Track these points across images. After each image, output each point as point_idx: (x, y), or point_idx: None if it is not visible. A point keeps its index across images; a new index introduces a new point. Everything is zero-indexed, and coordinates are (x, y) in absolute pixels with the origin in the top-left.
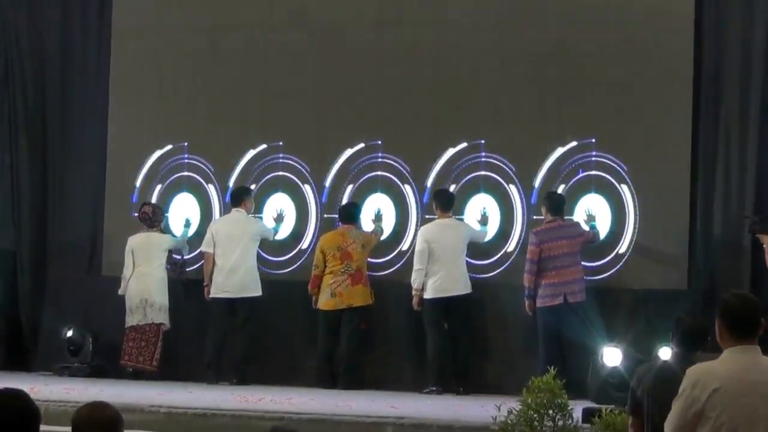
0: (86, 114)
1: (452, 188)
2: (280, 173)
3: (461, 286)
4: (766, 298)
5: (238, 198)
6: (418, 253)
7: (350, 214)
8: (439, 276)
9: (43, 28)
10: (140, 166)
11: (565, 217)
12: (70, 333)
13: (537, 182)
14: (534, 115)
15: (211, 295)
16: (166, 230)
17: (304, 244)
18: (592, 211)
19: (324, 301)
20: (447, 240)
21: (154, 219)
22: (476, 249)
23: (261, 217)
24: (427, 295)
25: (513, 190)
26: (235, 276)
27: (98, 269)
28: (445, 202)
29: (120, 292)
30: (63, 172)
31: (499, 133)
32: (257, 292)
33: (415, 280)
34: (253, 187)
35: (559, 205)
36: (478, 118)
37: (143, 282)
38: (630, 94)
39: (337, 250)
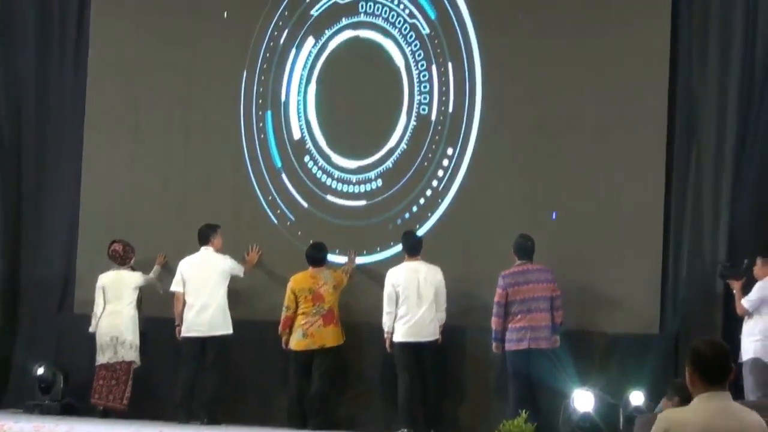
0: (61, 150)
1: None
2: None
3: (428, 333)
4: (738, 344)
5: (205, 236)
6: (385, 297)
7: (318, 258)
8: (406, 320)
9: (19, 62)
10: (114, 203)
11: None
12: (41, 370)
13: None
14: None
15: (182, 335)
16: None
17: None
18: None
19: (296, 342)
20: (413, 284)
21: (125, 257)
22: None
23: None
24: (396, 338)
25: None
26: (205, 314)
27: (70, 307)
28: (412, 246)
29: (90, 329)
30: (37, 209)
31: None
32: (228, 330)
33: (385, 323)
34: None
35: (527, 249)
36: None
37: (114, 320)
38: (603, 137)
39: (309, 292)
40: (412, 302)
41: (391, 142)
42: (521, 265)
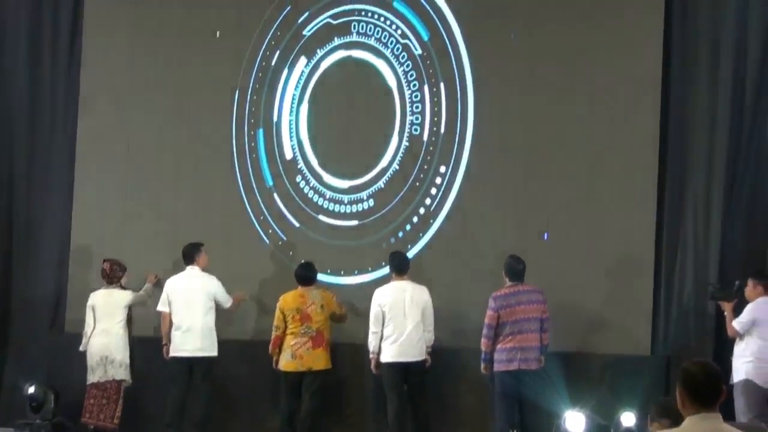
0: (53, 171)
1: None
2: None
3: (415, 352)
4: (729, 366)
5: (189, 256)
6: (372, 317)
7: (307, 277)
8: (393, 339)
9: (11, 88)
10: (105, 222)
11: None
12: (32, 389)
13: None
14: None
15: (170, 354)
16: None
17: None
18: None
19: (285, 363)
20: (399, 303)
21: (112, 275)
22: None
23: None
24: (383, 359)
25: None
26: (189, 335)
27: (61, 326)
28: (399, 266)
29: (81, 348)
30: (29, 229)
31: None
32: (213, 352)
33: (371, 343)
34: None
35: (518, 271)
36: None
37: (104, 339)
38: (595, 158)
39: (296, 312)
40: (398, 322)
41: (383, 162)
42: (512, 286)
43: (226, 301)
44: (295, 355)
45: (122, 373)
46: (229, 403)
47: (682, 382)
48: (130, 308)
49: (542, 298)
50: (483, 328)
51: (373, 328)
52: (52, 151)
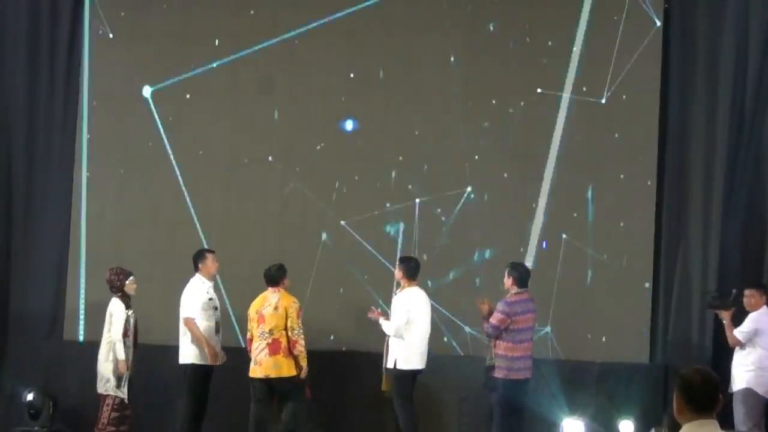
0: (52, 180)
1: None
2: None
3: (426, 360)
4: (727, 374)
5: (194, 263)
6: (401, 322)
7: (269, 276)
8: (416, 347)
9: (9, 90)
10: (104, 230)
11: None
12: (30, 397)
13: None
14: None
15: None
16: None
17: None
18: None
19: (250, 368)
20: (422, 309)
21: (111, 284)
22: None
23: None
24: (404, 366)
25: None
26: (180, 343)
27: (60, 334)
28: (412, 271)
29: None
30: (27, 236)
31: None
32: (186, 360)
33: (397, 329)
34: None
35: (526, 278)
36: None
37: (100, 350)
38: (594, 167)
39: (255, 313)
40: (422, 329)
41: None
42: (521, 293)
43: (186, 312)
44: (256, 360)
45: (102, 388)
46: (209, 411)
47: (679, 388)
48: (128, 320)
49: (535, 308)
50: (489, 328)
51: (398, 332)
52: (51, 161)
